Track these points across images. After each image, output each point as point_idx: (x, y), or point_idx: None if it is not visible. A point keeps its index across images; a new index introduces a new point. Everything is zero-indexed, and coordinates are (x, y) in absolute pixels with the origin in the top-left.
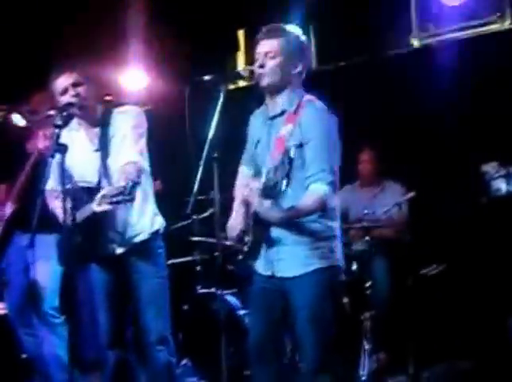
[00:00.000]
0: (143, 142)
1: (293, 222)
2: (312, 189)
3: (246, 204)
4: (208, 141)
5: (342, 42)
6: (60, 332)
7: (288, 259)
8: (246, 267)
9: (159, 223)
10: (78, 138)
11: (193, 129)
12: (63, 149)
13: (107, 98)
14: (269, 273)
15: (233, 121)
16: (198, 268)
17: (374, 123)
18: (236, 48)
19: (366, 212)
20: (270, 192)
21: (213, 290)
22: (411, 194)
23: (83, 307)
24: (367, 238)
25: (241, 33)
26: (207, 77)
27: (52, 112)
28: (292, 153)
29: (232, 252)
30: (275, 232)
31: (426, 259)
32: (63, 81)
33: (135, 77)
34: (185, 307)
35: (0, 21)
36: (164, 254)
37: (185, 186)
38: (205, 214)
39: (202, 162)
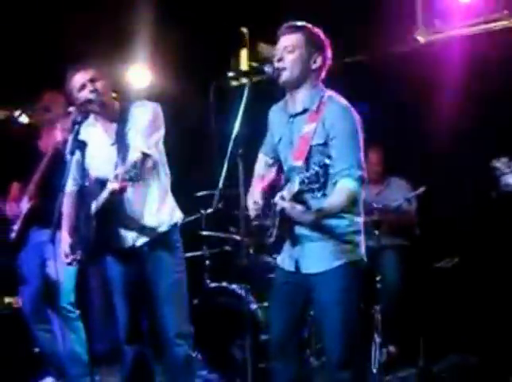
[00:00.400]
0: (159, 135)
1: (323, 219)
2: (341, 185)
3: (266, 197)
4: (233, 137)
5: (347, 39)
6: (76, 326)
7: (314, 256)
8: (258, 261)
9: (177, 216)
10: (95, 134)
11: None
12: (82, 145)
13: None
14: (292, 269)
15: (256, 116)
16: (207, 262)
17: (380, 120)
18: (240, 45)
19: (375, 205)
20: (303, 197)
21: (224, 284)
22: (421, 189)
23: (95, 301)
24: (377, 232)
25: (245, 31)
26: (231, 73)
27: (71, 109)
28: (327, 161)
29: (244, 246)
30: (301, 229)
31: (436, 253)
32: (80, 77)
33: (139, 74)
34: (195, 301)
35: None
36: (181, 247)
37: (193, 181)
38: (212, 209)
39: (227, 158)
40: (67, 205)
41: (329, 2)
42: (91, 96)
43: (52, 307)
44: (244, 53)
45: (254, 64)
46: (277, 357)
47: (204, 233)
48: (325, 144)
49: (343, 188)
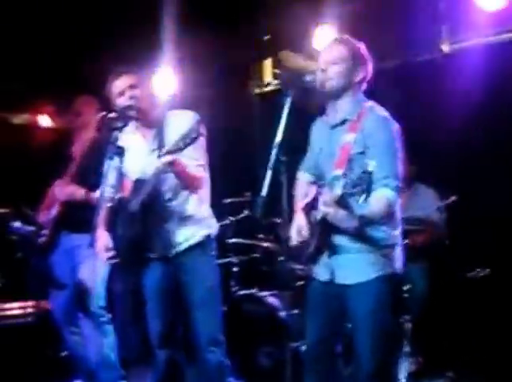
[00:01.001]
0: (202, 146)
1: (358, 230)
2: (379, 194)
3: (307, 211)
4: (276, 144)
5: (372, 47)
6: (107, 330)
7: (351, 267)
8: (287, 269)
9: (213, 226)
10: (134, 141)
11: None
12: (121, 151)
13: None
14: (327, 279)
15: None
16: (235, 269)
17: (406, 128)
18: (263, 53)
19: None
20: (345, 203)
21: (253, 291)
22: (452, 198)
23: (124, 306)
24: (405, 241)
25: (268, 39)
26: (273, 83)
27: (112, 115)
28: (370, 168)
29: (272, 254)
30: (338, 240)
31: (467, 264)
32: (120, 83)
33: (166, 81)
34: (223, 308)
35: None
36: (216, 256)
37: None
38: (241, 215)
39: (270, 165)
40: (103, 210)
41: (354, 12)
42: (130, 103)
43: (83, 311)
44: (268, 61)
45: (292, 74)
46: (311, 366)
47: (232, 240)
48: (364, 153)
49: (381, 197)
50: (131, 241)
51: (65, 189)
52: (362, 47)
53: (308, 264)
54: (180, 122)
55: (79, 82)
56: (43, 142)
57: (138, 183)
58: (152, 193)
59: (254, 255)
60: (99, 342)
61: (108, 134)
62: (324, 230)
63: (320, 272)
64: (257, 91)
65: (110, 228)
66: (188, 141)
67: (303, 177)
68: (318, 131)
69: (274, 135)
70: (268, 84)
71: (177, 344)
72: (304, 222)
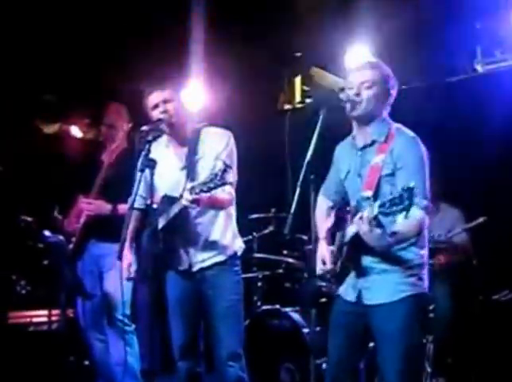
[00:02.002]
0: (233, 163)
1: (386, 250)
2: (410, 213)
3: (329, 237)
4: (306, 162)
5: (407, 66)
6: (131, 339)
7: (378, 287)
8: (311, 286)
9: (238, 245)
10: (166, 155)
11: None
12: (152, 164)
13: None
14: (354, 299)
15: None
16: (259, 284)
17: (438, 148)
18: (295, 70)
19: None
20: (379, 222)
21: (276, 306)
22: (480, 220)
23: (150, 318)
24: (430, 261)
25: (299, 56)
26: (308, 99)
27: (144, 128)
28: (411, 184)
29: (296, 270)
30: (366, 260)
31: (492, 285)
32: (155, 97)
33: (196, 94)
34: (246, 323)
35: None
36: (240, 274)
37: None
38: (266, 231)
39: (299, 183)
40: (132, 221)
41: (389, 31)
42: (162, 117)
43: (108, 319)
44: (298, 78)
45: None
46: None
47: (257, 255)
48: (393, 174)
49: (412, 216)
50: (155, 256)
51: (92, 205)
52: (388, 69)
53: (333, 283)
54: (213, 144)
55: (109, 94)
56: (74, 151)
57: (167, 199)
58: (179, 216)
59: (278, 270)
60: (123, 351)
61: (140, 147)
62: (353, 249)
63: (347, 292)
64: (286, 107)
65: (137, 238)
66: (217, 183)
67: (323, 203)
68: (344, 154)
69: (303, 152)
70: (298, 101)
71: (198, 357)
72: (328, 251)
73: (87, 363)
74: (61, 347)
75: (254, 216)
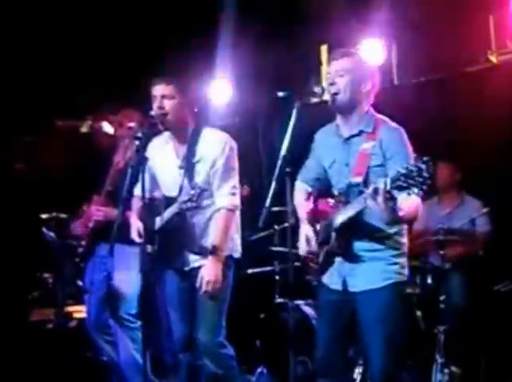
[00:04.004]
0: (236, 174)
1: (371, 238)
2: (408, 200)
3: (310, 221)
4: (281, 156)
5: (421, 58)
6: (137, 337)
7: (364, 275)
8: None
9: (234, 250)
10: (165, 150)
11: (268, 144)
12: (143, 160)
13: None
14: (339, 287)
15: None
16: (277, 278)
17: (453, 138)
18: (320, 62)
19: (440, 225)
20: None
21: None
22: (484, 210)
23: (161, 314)
24: (442, 252)
25: (324, 48)
26: (281, 94)
27: (132, 124)
28: (426, 158)
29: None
30: (354, 248)
31: (502, 275)
32: (156, 89)
33: (221, 90)
34: (262, 316)
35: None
36: (231, 279)
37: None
38: (285, 224)
39: (275, 177)
40: (135, 208)
41: (405, 24)
42: (153, 112)
43: (114, 317)
44: (325, 70)
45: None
46: (323, 375)
47: (274, 249)
48: (383, 165)
49: (412, 199)
50: (156, 251)
51: (100, 211)
52: (366, 60)
53: (318, 273)
54: (210, 150)
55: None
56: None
57: (164, 199)
58: (173, 219)
59: (296, 263)
60: (130, 347)
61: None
62: (342, 236)
63: (332, 280)
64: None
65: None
66: (192, 205)
67: (301, 188)
68: (327, 141)
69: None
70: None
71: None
72: (312, 232)
73: (104, 359)
74: (79, 343)
75: (276, 208)
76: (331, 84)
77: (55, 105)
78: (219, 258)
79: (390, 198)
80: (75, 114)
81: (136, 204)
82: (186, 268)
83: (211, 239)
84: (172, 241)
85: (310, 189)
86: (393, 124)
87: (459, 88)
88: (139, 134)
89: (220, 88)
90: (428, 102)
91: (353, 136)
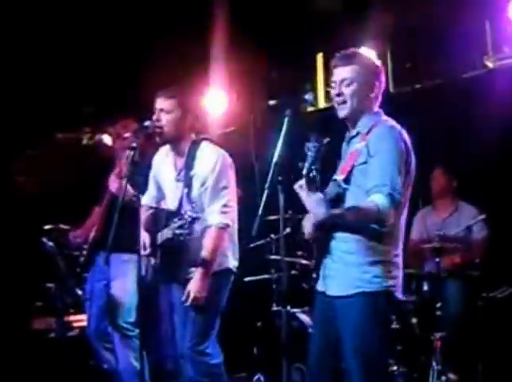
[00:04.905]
0: (228, 192)
1: (348, 241)
2: (370, 199)
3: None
4: (273, 164)
5: (418, 64)
6: (136, 345)
7: (339, 278)
8: None
9: (231, 262)
10: (164, 164)
11: (260, 152)
12: (138, 170)
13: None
14: (322, 289)
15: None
16: (274, 286)
17: (450, 145)
18: (315, 70)
19: (437, 232)
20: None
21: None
22: (481, 216)
23: (161, 322)
24: (438, 259)
25: (319, 56)
26: (272, 102)
27: (127, 135)
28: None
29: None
30: (333, 249)
31: (497, 282)
32: (157, 103)
33: (217, 99)
34: (259, 324)
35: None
36: (224, 291)
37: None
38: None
39: (267, 185)
40: (143, 217)
41: (401, 29)
42: (147, 123)
43: (113, 326)
44: (320, 79)
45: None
46: (313, 379)
47: (272, 257)
48: (366, 162)
49: (371, 200)
50: (159, 264)
51: (117, 182)
52: (372, 58)
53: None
54: (203, 166)
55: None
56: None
57: (166, 213)
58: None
59: (292, 271)
60: (128, 355)
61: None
62: (322, 238)
63: (319, 283)
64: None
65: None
66: (185, 232)
67: None
68: (343, 146)
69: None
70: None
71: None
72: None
73: (105, 366)
74: (81, 351)
75: (272, 217)
76: (338, 95)
77: (55, 118)
78: (207, 272)
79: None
80: (76, 126)
81: (143, 213)
82: (187, 277)
83: (202, 253)
84: (172, 256)
85: None
86: (391, 123)
87: (455, 94)
88: (134, 145)
89: (214, 98)
90: (425, 109)
91: (352, 137)
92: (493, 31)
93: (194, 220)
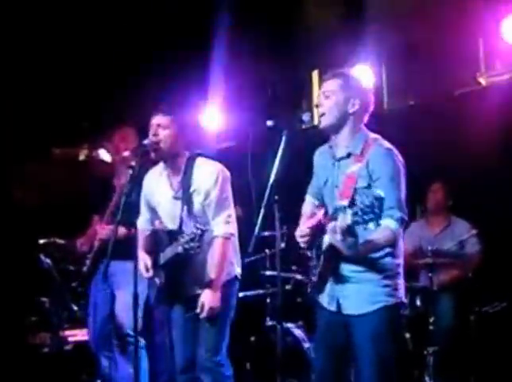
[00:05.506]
0: (230, 202)
1: (361, 259)
2: (383, 225)
3: (313, 234)
4: (270, 184)
5: (411, 82)
6: (141, 356)
7: (354, 297)
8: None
9: (236, 270)
10: (159, 183)
11: (256, 172)
12: (137, 189)
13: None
14: (333, 308)
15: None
16: (268, 300)
17: (443, 161)
18: (311, 87)
19: (430, 248)
20: (353, 231)
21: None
22: (473, 231)
23: (158, 338)
24: (430, 274)
25: (315, 73)
26: (269, 122)
27: (126, 153)
28: (382, 194)
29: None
30: (343, 270)
31: (489, 297)
32: (154, 120)
33: (212, 115)
34: (252, 338)
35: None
36: (232, 298)
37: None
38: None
39: (263, 204)
40: (141, 241)
41: (396, 46)
42: (146, 141)
43: (117, 336)
44: (316, 95)
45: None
46: None
47: (267, 273)
48: (369, 186)
49: (385, 227)
50: (162, 284)
51: (106, 229)
52: (357, 76)
53: (313, 292)
54: (204, 180)
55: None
56: (105, 174)
57: (166, 234)
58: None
59: (287, 287)
60: (131, 367)
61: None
62: (329, 259)
63: (326, 301)
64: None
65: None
66: (195, 245)
67: (308, 199)
68: (322, 162)
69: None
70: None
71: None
72: (307, 230)
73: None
74: (73, 365)
75: (267, 233)
76: (317, 106)
77: (53, 133)
78: (219, 282)
79: (350, 234)
80: (73, 141)
81: (140, 236)
82: (189, 295)
83: (209, 270)
84: (176, 273)
85: (317, 202)
86: (386, 144)
87: (448, 111)
88: (133, 163)
89: (211, 114)
90: (418, 126)
91: (342, 158)
92: (486, 48)
93: (203, 232)
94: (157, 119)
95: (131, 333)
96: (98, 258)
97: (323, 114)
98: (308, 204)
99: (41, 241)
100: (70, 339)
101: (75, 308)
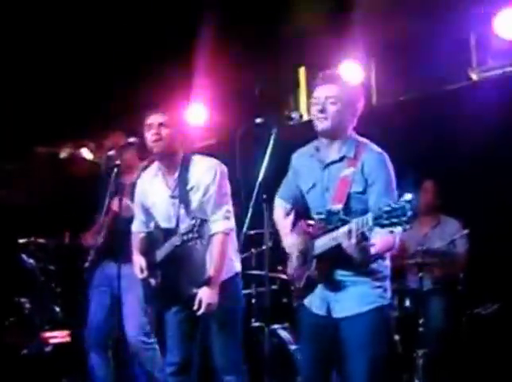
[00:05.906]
0: (228, 199)
1: (358, 263)
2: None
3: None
4: (258, 183)
5: (400, 77)
6: (152, 354)
7: (347, 300)
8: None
9: (236, 267)
10: (155, 184)
11: (244, 170)
12: (121, 188)
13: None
14: (323, 312)
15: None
16: (253, 301)
17: (434, 158)
18: (297, 85)
19: (419, 248)
20: (365, 236)
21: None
22: (464, 232)
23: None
24: (420, 274)
25: (302, 71)
26: (258, 120)
27: (111, 152)
28: (408, 197)
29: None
30: (337, 274)
31: (481, 298)
32: (152, 118)
33: (197, 112)
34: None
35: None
36: (239, 295)
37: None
38: (263, 248)
39: (252, 203)
40: (136, 244)
41: (386, 41)
42: (132, 140)
43: (129, 338)
44: (303, 93)
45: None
46: None
47: (252, 272)
48: (364, 192)
49: (387, 231)
50: (159, 283)
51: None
52: (356, 86)
53: (300, 296)
54: (202, 176)
55: (118, 120)
56: (87, 172)
57: (162, 232)
58: (173, 251)
59: (273, 286)
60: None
61: (107, 171)
62: (323, 263)
63: (315, 304)
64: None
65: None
66: (194, 236)
67: (279, 203)
68: (306, 165)
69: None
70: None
71: (193, 374)
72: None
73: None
74: (54, 367)
75: (253, 232)
76: (321, 111)
77: (35, 132)
78: (218, 278)
79: (363, 238)
80: (56, 140)
81: (135, 239)
82: (186, 295)
83: (209, 267)
84: (173, 272)
85: (289, 206)
86: (377, 149)
87: (439, 106)
88: (117, 162)
89: (196, 111)
90: (408, 122)
91: (334, 162)
92: (478, 43)
93: (203, 222)
94: (157, 118)
95: (141, 336)
96: (100, 256)
97: (325, 119)
98: (280, 208)
99: (21, 241)
100: (51, 340)
101: (57, 309)
